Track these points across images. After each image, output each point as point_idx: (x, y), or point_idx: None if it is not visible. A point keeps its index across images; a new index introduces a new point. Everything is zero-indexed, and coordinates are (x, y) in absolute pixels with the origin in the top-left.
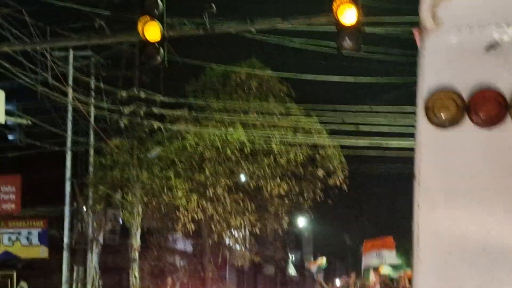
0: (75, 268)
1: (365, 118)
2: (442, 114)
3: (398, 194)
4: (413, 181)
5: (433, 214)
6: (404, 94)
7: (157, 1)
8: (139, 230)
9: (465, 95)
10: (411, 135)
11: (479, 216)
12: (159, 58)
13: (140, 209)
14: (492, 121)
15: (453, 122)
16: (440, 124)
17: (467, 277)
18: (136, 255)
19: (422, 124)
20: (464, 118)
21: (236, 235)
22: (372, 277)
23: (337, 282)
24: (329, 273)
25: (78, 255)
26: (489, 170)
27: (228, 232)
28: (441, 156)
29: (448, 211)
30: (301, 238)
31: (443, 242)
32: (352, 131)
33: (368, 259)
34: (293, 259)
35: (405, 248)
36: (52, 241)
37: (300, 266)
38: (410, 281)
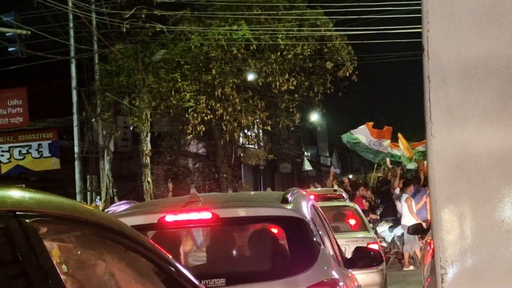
0: (88, 177)
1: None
2: None
3: (409, 81)
4: (422, 54)
5: (445, 88)
6: None
7: None
8: (149, 135)
9: None
10: (418, 20)
11: (496, 84)
12: None
13: (148, 114)
14: None
15: None
16: None
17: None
18: (147, 160)
19: None
20: None
21: (248, 134)
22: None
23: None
24: (346, 168)
25: (91, 164)
26: (503, 30)
27: (239, 132)
28: (450, 23)
29: (460, 83)
30: (315, 133)
31: (455, 117)
32: (358, 19)
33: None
34: (309, 155)
35: (420, 138)
36: (63, 151)
37: (315, 162)
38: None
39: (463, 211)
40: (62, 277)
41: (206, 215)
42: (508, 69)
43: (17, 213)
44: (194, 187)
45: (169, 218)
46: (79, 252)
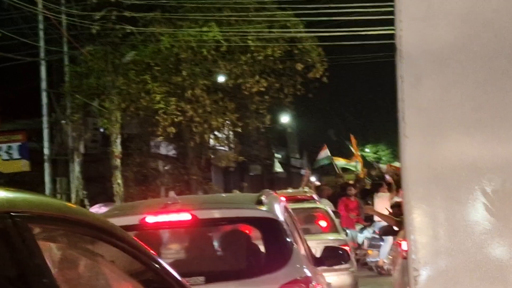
0: (58, 179)
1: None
2: None
3: (380, 83)
4: (395, 53)
5: (418, 88)
6: None
7: None
8: (119, 137)
9: None
10: (390, 22)
11: (470, 84)
12: None
13: (118, 116)
14: None
15: None
16: None
17: (454, 145)
18: (118, 162)
19: None
20: None
21: (219, 135)
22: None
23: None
24: (317, 171)
25: (60, 166)
26: (478, 31)
27: (210, 133)
28: (424, 22)
29: (434, 82)
30: (285, 135)
31: (429, 117)
32: (328, 20)
33: None
34: (279, 157)
35: (390, 140)
36: (33, 154)
37: (286, 164)
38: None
39: (436, 212)
40: (55, 276)
41: (186, 216)
42: (482, 71)
43: (12, 214)
44: (164, 189)
45: (150, 219)
46: (71, 252)
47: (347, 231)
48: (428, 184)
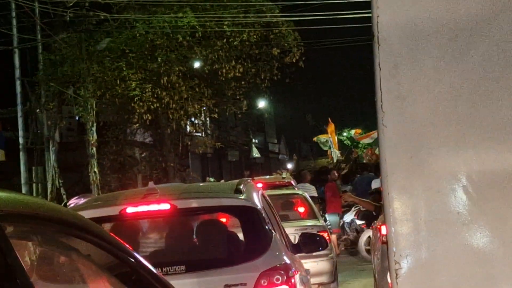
0: (34, 168)
1: None
2: None
3: (357, 66)
4: (372, 41)
5: (396, 76)
6: None
7: None
8: (95, 125)
9: None
10: (367, 5)
11: (449, 72)
12: None
13: (94, 103)
14: None
15: None
16: None
17: (433, 135)
18: (94, 150)
19: None
20: None
21: (195, 122)
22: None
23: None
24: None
25: (36, 155)
26: (455, 18)
27: (186, 120)
28: (402, 8)
29: (412, 71)
30: (262, 120)
31: (408, 106)
32: (304, 5)
33: None
34: (257, 142)
35: (367, 124)
36: (8, 143)
37: (263, 149)
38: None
39: (417, 203)
40: (30, 274)
41: (165, 206)
42: (461, 58)
43: None
44: (141, 177)
45: (130, 209)
46: (45, 250)
47: (335, 216)
48: (408, 174)
